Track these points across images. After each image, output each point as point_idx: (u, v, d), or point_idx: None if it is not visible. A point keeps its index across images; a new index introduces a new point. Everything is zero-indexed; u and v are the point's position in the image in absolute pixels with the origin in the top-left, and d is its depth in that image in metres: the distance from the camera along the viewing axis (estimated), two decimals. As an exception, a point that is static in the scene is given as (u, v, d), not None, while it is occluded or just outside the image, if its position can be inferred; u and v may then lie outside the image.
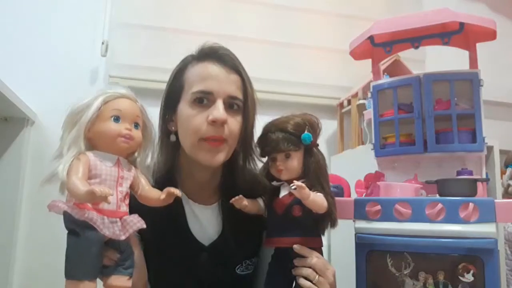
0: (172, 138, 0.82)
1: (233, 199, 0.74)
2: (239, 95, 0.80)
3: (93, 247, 0.57)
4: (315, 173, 0.75)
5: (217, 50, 0.82)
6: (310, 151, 0.76)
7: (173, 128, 0.82)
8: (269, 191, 0.78)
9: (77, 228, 0.57)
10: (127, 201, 0.64)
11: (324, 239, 0.77)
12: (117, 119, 0.63)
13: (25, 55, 1.58)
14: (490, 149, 1.53)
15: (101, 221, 0.58)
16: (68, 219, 0.58)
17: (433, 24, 0.78)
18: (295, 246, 0.73)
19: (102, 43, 1.63)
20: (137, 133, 0.65)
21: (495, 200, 0.69)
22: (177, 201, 0.73)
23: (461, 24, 0.79)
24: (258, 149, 0.79)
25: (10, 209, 1.47)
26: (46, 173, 0.62)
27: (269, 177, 0.78)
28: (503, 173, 1.70)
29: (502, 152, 1.60)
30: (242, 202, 0.76)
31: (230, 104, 0.79)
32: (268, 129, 0.76)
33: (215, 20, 1.78)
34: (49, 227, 1.51)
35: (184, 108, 0.79)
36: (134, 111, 0.66)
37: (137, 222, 0.62)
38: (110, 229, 0.58)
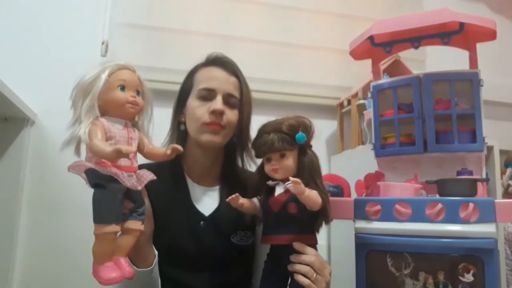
0: (182, 127, 1.01)
1: (229, 197, 0.77)
2: (236, 94, 0.98)
3: (117, 196, 0.68)
4: (309, 171, 0.76)
5: (220, 58, 1.02)
6: (304, 151, 0.78)
7: (182, 119, 1.01)
8: (264, 190, 0.79)
9: (102, 182, 0.66)
10: (136, 158, 0.74)
11: (324, 239, 0.78)
12: (123, 88, 0.72)
13: (25, 55, 1.58)
14: (490, 149, 1.53)
15: (122, 175, 0.68)
16: (94, 175, 0.67)
17: (433, 24, 0.78)
18: (295, 243, 0.74)
19: (102, 43, 1.63)
20: (140, 99, 0.74)
21: (495, 200, 0.69)
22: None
23: (461, 24, 0.79)
24: (253, 150, 0.81)
25: (10, 209, 1.46)
26: (66, 138, 0.70)
27: (264, 178, 0.79)
28: (503, 173, 1.70)
29: (502, 152, 1.60)
30: (238, 201, 0.77)
31: (228, 100, 0.96)
32: (263, 131, 0.78)
33: (215, 20, 1.77)
34: (49, 227, 1.51)
35: (192, 101, 0.97)
36: (135, 80, 0.75)
37: (149, 175, 0.74)
38: (129, 181, 0.69)
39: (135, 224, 0.71)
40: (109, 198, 0.66)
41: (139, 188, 0.71)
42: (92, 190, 0.67)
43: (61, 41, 1.62)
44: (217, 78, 0.97)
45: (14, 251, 1.46)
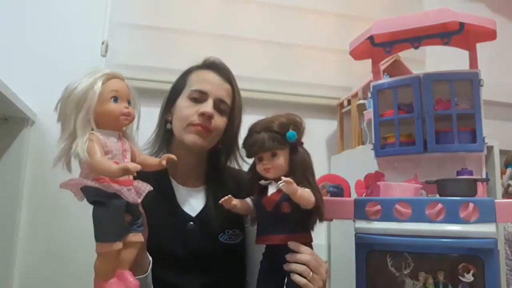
0: (168, 126, 1.00)
1: (222, 199, 0.77)
2: (228, 101, 0.99)
3: (120, 212, 0.67)
4: (301, 169, 0.76)
5: (217, 64, 1.02)
6: (295, 149, 0.77)
7: (169, 117, 1.00)
8: (257, 190, 0.79)
9: (103, 199, 0.65)
10: None
11: (324, 239, 0.78)
12: (116, 99, 0.70)
13: (25, 55, 1.58)
14: (490, 149, 1.53)
15: (124, 190, 0.67)
16: (93, 192, 0.65)
17: (433, 24, 0.78)
18: (289, 243, 0.74)
19: (102, 43, 1.63)
20: (131, 110, 0.72)
21: (495, 200, 0.69)
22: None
23: (461, 24, 0.79)
24: (244, 150, 0.81)
25: (10, 209, 1.46)
26: (57, 153, 0.68)
27: (256, 177, 0.79)
28: (503, 173, 1.70)
29: (502, 152, 1.60)
30: (231, 202, 0.77)
31: (219, 106, 0.96)
32: (253, 130, 0.78)
33: (215, 20, 1.77)
34: (49, 227, 1.51)
35: (182, 101, 0.98)
36: (126, 89, 0.73)
37: (146, 186, 0.72)
38: (130, 196, 0.68)
39: (136, 237, 0.71)
40: (113, 215, 0.65)
41: (139, 201, 0.70)
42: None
43: (61, 41, 1.62)
44: (211, 82, 0.97)
45: (14, 251, 1.46)
